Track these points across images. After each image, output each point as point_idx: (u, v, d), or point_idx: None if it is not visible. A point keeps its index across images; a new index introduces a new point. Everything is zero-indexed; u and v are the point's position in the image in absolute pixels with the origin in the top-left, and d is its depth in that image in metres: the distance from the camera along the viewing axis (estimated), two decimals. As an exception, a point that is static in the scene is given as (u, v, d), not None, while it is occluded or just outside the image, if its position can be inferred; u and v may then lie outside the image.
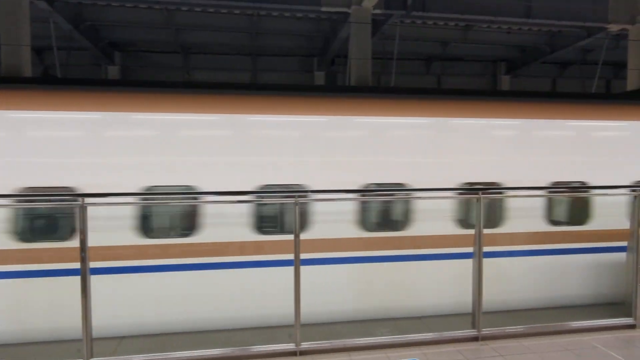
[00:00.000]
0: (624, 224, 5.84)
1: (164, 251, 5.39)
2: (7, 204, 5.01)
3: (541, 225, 6.31)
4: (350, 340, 4.81)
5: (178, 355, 4.47)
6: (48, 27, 11.83)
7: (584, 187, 6.51)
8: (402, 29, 13.43)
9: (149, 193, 5.38)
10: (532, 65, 17.27)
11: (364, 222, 5.90)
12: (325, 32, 14.33)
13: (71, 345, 4.51)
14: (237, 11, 12.62)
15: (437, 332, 5.04)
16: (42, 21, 11.79)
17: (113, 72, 15.23)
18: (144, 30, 13.94)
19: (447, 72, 17.69)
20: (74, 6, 12.33)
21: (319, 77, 16.18)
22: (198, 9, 12.51)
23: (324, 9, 12.14)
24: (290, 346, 4.65)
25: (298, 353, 4.64)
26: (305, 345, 4.66)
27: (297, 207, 4.68)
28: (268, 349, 4.64)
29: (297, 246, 4.66)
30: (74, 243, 4.60)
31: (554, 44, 15.75)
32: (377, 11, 12.37)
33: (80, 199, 4.46)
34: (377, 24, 12.82)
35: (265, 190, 5.65)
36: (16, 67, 10.71)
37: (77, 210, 4.51)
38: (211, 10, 12.58)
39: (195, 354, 4.49)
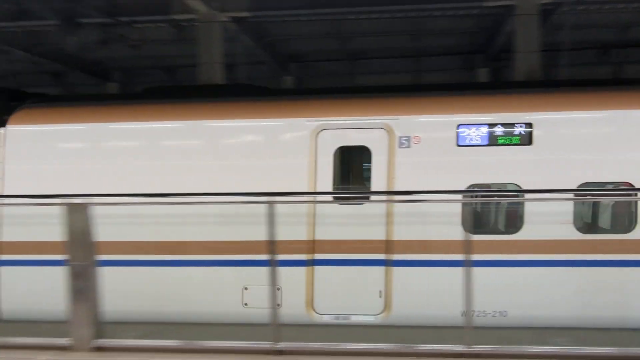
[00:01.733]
0: None
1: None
2: None
3: None
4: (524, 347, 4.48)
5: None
6: (235, 45, 13.66)
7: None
8: (573, 17, 12.60)
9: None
10: None
11: None
12: (488, 28, 14.08)
13: None
14: (399, 14, 13.09)
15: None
16: (230, 40, 13.59)
17: (287, 82, 16.86)
18: (314, 41, 15.16)
19: (629, 60, 15.97)
20: (257, 24, 13.99)
21: (482, 74, 15.92)
22: (363, 16, 13.27)
23: (487, 4, 11.99)
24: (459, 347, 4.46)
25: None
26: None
27: None
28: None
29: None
30: None
31: None
32: (546, 0, 11.84)
33: None
34: (545, 13, 12.23)
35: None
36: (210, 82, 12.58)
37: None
38: (375, 16, 13.24)
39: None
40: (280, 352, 4.62)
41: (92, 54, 15.09)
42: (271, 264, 4.69)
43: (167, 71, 17.48)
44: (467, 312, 4.47)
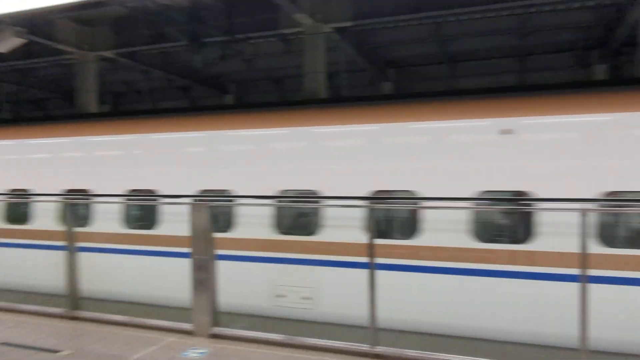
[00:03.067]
0: None
1: None
2: None
3: None
4: None
5: None
6: (336, 54, 14.27)
7: None
8: None
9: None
10: None
11: None
12: (607, 20, 12.95)
13: None
14: (504, 12, 12.65)
15: None
16: (332, 50, 14.19)
17: (386, 88, 17.09)
18: (413, 46, 15.21)
19: None
20: (357, 33, 14.46)
21: (600, 71, 14.59)
22: (464, 17, 13.05)
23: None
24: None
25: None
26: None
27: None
28: None
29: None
30: None
31: None
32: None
33: None
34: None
35: None
36: (314, 91, 13.35)
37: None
38: (478, 16, 12.95)
39: None
40: (377, 356, 4.69)
41: (212, 69, 16.85)
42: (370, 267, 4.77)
43: (275, 82, 18.75)
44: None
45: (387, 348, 4.71)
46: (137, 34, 14.50)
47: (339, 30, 13.53)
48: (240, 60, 15.86)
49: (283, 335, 5.15)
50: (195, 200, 6.28)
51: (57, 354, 5.18)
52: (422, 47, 15.21)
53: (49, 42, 14.27)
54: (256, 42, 14.64)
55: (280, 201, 6.83)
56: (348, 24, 13.20)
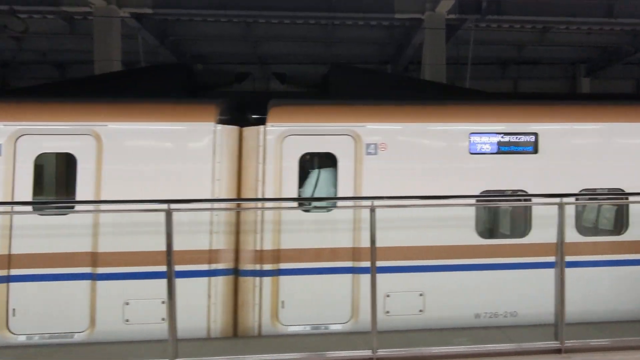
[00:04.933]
0: None
1: None
2: None
3: None
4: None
5: None
6: (136, 43, 12.64)
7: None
8: (476, 33, 13.19)
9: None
10: (614, 66, 16.42)
11: None
12: (398, 39, 14.35)
13: None
14: (312, 21, 12.91)
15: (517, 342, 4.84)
16: (130, 37, 12.57)
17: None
18: (223, 43, 14.57)
19: (524, 76, 17.16)
20: (160, 23, 13.09)
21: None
22: (275, 21, 12.91)
23: (397, 15, 12.18)
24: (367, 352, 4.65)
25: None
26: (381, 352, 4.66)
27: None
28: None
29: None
30: None
31: (638, 43, 14.90)
32: (452, 16, 12.26)
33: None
34: (451, 28, 12.70)
35: None
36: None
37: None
38: (287, 21, 12.94)
39: None
40: None
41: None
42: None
43: (57, 67, 15.90)
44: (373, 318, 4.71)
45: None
46: None
47: (137, 16, 12.04)
48: (6, 38, 12.72)
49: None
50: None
51: None
52: (232, 46, 14.64)
53: None
54: (30, 17, 11.91)
55: None
56: (148, 10, 11.86)
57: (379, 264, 5.23)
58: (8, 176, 5.43)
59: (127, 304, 5.54)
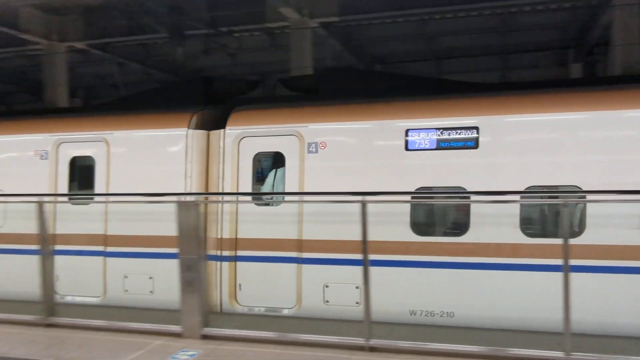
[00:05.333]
0: None
1: None
2: None
3: None
4: None
5: None
6: (323, 50, 14.29)
7: None
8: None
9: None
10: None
11: None
12: (581, 21, 13.65)
13: None
14: (487, 12, 13.07)
15: None
16: (319, 45, 14.20)
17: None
18: (399, 42, 15.47)
19: None
20: (344, 29, 14.56)
21: (575, 70, 15.40)
22: (449, 16, 13.39)
23: (582, -5, 11.72)
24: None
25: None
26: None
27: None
28: None
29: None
30: None
31: None
32: (648, -10, 11.30)
33: None
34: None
35: None
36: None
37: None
38: (462, 14, 13.31)
39: None
40: (372, 349, 4.77)
41: (194, 63, 16.43)
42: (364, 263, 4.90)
43: (260, 77, 18.51)
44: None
45: (381, 340, 4.78)
46: (113, 24, 13.86)
47: (325, 25, 13.58)
48: (224, 55, 15.52)
49: (275, 333, 5.14)
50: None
51: (34, 364, 4.92)
52: (408, 44, 15.48)
53: (12, 31, 13.38)
54: (241, 35, 14.39)
55: None
56: (334, 19, 13.25)
57: (319, 255, 5.92)
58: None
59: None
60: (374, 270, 5.03)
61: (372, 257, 5.04)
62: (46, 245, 6.12)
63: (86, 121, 7.52)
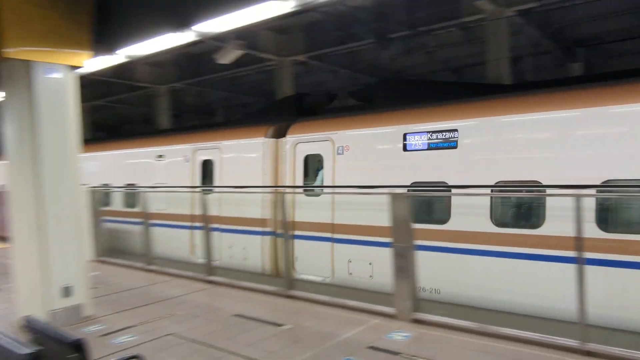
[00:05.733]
0: None
1: None
2: None
3: None
4: None
5: None
6: (518, 39, 14.20)
7: None
8: None
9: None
10: None
11: None
12: None
13: None
14: None
15: None
16: (514, 34, 14.16)
17: (574, 69, 16.38)
18: (606, 21, 14.41)
19: None
20: (542, 13, 14.16)
21: None
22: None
23: None
24: None
25: None
26: None
27: None
28: None
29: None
30: None
31: None
32: None
33: None
34: None
35: None
36: (498, 78, 13.59)
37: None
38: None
39: None
40: (589, 354, 4.40)
41: (394, 64, 17.88)
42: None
43: (454, 72, 19.15)
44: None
45: (600, 346, 4.39)
46: (327, 36, 15.97)
47: (522, 12, 13.48)
48: (422, 54, 16.57)
49: (477, 324, 5.26)
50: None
51: (281, 327, 5.77)
52: (616, 22, 14.38)
53: (254, 52, 16.61)
54: (438, 33, 15.27)
55: None
56: (533, 4, 13.03)
57: (342, 237, 8.00)
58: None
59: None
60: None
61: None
62: (287, 231, 7.73)
63: (209, 134, 10.92)
